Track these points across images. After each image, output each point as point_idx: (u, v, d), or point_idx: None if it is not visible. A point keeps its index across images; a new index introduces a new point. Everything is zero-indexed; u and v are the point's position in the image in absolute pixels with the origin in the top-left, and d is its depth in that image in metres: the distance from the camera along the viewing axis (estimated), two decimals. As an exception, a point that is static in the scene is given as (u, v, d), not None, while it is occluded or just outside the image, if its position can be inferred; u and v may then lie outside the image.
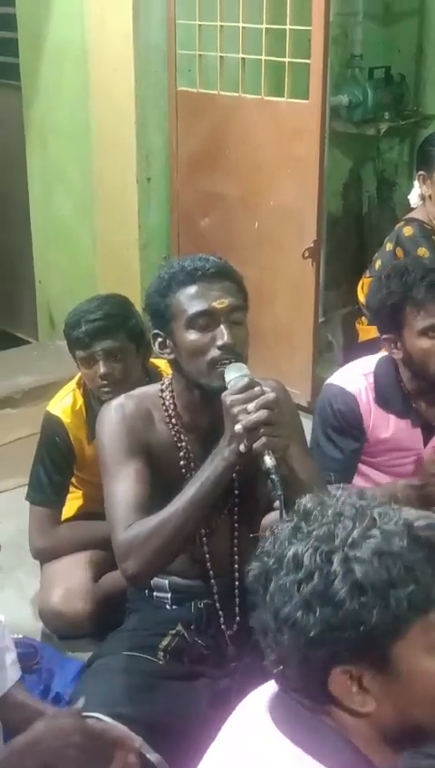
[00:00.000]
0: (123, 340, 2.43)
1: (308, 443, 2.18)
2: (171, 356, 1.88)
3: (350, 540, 1.06)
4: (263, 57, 3.48)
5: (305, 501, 1.15)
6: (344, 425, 2.35)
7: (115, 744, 1.43)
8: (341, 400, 2.35)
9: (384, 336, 2.30)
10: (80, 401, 2.56)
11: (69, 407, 2.55)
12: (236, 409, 1.69)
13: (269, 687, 1.18)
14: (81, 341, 2.42)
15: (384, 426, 2.36)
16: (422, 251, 3.08)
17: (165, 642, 1.99)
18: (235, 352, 1.80)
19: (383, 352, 2.40)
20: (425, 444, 2.40)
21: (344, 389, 2.36)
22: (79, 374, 2.60)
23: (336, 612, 1.04)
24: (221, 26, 3.60)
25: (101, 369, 2.41)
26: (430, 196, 3.17)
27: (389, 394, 2.35)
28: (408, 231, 3.17)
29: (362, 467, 2.44)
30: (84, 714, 1.49)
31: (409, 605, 1.04)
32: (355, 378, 2.38)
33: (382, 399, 2.35)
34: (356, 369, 2.43)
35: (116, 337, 2.42)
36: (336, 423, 2.35)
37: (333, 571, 1.04)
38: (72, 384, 2.61)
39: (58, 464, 2.56)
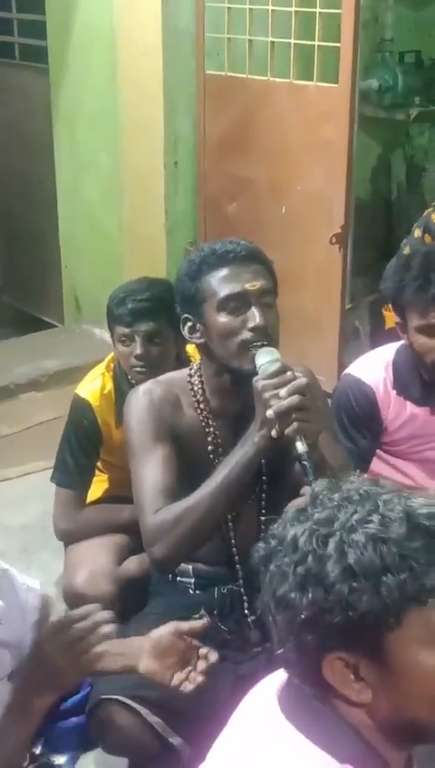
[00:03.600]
0: (164, 324, 2.43)
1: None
2: (201, 340, 1.87)
3: (348, 524, 1.05)
4: (292, 41, 3.45)
5: (316, 485, 1.15)
6: (361, 416, 2.34)
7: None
8: (358, 391, 2.34)
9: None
10: (109, 385, 2.56)
11: (98, 390, 2.56)
12: (267, 394, 1.69)
13: (282, 673, 1.18)
14: (123, 319, 2.44)
15: (403, 414, 2.35)
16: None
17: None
18: (267, 334, 1.79)
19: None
20: None
21: (361, 380, 2.35)
22: (108, 357, 2.61)
23: (327, 595, 1.03)
24: (250, 9, 3.58)
25: (138, 349, 2.43)
26: None
27: (407, 381, 2.33)
28: (437, 217, 3.13)
29: (388, 458, 2.43)
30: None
31: (401, 593, 1.02)
32: (373, 368, 2.37)
33: (401, 387, 2.34)
34: (375, 359, 2.41)
35: (158, 320, 2.43)
36: (353, 414, 2.34)
37: (328, 554, 1.04)
38: (102, 367, 2.62)
39: (85, 447, 2.57)
